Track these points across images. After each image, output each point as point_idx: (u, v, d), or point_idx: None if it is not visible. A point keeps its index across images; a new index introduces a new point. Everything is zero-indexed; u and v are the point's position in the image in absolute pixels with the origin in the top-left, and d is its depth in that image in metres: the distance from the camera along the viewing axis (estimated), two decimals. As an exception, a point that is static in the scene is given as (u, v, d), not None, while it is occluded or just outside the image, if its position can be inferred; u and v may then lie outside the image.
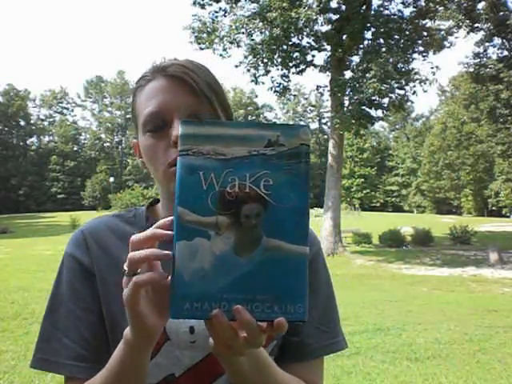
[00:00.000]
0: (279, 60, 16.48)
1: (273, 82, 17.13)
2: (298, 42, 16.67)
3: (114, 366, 0.65)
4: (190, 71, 0.77)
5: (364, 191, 56.16)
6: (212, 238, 0.51)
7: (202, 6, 16.59)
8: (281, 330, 0.51)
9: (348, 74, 16.47)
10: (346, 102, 15.99)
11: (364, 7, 16.16)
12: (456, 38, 20.52)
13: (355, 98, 15.34)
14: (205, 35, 16.29)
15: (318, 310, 0.84)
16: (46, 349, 0.78)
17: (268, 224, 0.52)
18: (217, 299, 0.51)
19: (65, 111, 64.08)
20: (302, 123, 0.56)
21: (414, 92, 16.16)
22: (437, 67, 16.16)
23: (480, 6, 17.28)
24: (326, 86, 17.59)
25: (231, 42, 16.28)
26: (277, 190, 0.52)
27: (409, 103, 19.12)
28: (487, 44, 19.68)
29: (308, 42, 16.90)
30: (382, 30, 15.97)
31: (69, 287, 0.79)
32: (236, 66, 16.62)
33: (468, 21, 16.61)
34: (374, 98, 15.42)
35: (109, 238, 0.82)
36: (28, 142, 60.67)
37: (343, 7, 16.14)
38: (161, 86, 0.77)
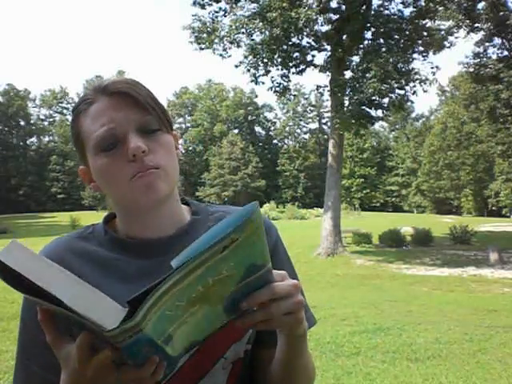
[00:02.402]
0: (279, 60, 16.44)
1: (273, 82, 17.08)
2: (298, 42, 16.64)
3: None
4: (133, 86, 0.77)
5: (364, 191, 56.14)
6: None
7: (202, 6, 16.57)
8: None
9: (348, 74, 16.44)
10: (346, 102, 15.96)
11: (364, 7, 16.12)
12: (456, 38, 20.43)
13: (355, 98, 15.30)
14: (205, 35, 16.27)
15: None
16: (19, 377, 0.81)
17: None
18: None
19: (65, 111, 63.91)
20: (249, 208, 0.56)
21: (414, 92, 16.12)
22: (437, 67, 16.14)
23: (480, 5, 17.30)
24: (326, 86, 17.56)
25: (231, 42, 16.25)
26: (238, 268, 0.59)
27: (409, 103, 19.10)
28: (487, 44, 19.68)
29: (308, 42, 16.89)
30: (381, 30, 15.93)
31: (32, 314, 0.77)
32: (236, 66, 16.59)
33: (468, 21, 16.62)
34: (374, 97, 15.39)
35: (69, 257, 0.81)
36: (28, 142, 60.56)
37: (343, 7, 16.11)
38: (106, 104, 0.77)
